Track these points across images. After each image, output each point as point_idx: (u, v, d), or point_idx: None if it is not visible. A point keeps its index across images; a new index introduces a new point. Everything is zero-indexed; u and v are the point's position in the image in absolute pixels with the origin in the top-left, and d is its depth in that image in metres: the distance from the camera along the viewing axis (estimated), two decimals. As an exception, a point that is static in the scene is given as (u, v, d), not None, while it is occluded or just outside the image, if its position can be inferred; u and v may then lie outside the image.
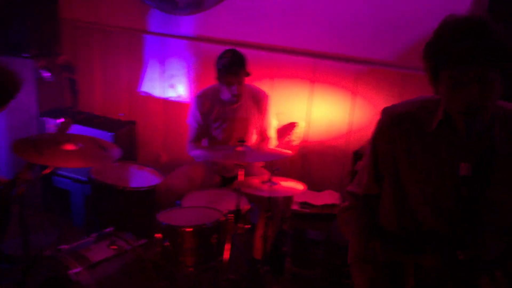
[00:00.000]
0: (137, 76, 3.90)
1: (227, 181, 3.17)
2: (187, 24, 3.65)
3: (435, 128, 1.47)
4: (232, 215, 2.47)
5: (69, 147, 2.52)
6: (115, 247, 2.45)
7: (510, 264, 1.49)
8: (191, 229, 2.44)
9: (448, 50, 1.34)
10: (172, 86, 3.80)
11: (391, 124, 1.56)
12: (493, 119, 1.43)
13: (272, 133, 3.28)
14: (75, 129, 3.50)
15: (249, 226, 2.68)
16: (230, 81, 2.99)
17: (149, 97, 3.90)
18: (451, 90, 1.37)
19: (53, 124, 3.60)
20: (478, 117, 1.38)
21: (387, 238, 1.61)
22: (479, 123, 1.40)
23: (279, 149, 3.07)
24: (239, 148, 2.56)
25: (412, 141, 1.52)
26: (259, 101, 3.17)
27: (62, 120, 2.60)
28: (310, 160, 3.49)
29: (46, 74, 3.58)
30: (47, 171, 2.54)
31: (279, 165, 2.90)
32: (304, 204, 3.11)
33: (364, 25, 3.16)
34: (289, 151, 2.84)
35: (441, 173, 1.48)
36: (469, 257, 1.45)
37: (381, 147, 1.59)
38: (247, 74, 3.06)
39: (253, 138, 3.25)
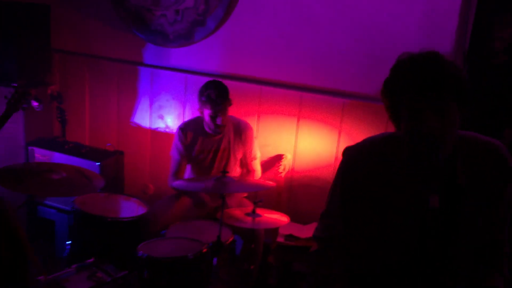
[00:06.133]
0: (127, 106, 3.93)
1: (211, 212, 3.15)
2: (177, 56, 3.70)
3: (400, 163, 1.48)
4: (213, 246, 2.44)
5: (52, 176, 2.52)
6: (95, 278, 2.43)
7: None
8: (171, 261, 2.41)
9: (407, 86, 1.37)
10: (161, 117, 3.83)
11: (354, 163, 1.57)
12: (455, 150, 1.45)
13: (257, 166, 3.29)
14: (62, 158, 3.52)
15: (232, 257, 2.66)
16: (216, 113, 3.01)
17: (138, 128, 3.92)
18: (411, 124, 1.39)
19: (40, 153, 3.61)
20: (440, 149, 1.39)
21: (356, 281, 1.59)
22: (441, 155, 1.41)
23: (262, 180, 3.06)
24: (221, 179, 2.56)
25: (377, 178, 1.52)
26: (242, 132, 3.19)
27: None
28: (296, 192, 3.49)
29: (35, 104, 3.60)
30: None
31: (264, 197, 2.89)
32: (289, 237, 3.08)
33: (351, 59, 3.21)
34: (271, 182, 2.83)
35: (407, 207, 1.48)
36: None
37: (346, 187, 1.59)
38: (230, 104, 3.09)
39: (236, 169, 3.25)
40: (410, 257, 1.49)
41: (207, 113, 3.03)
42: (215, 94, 2.97)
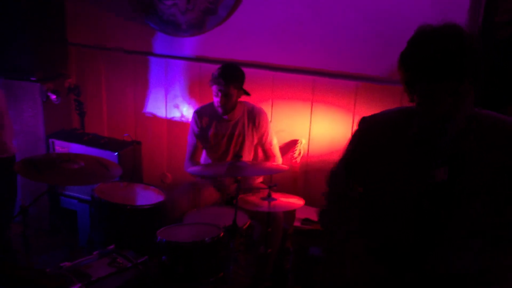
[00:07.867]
0: (143, 97, 3.98)
1: (227, 197, 3.19)
2: (190, 45, 3.73)
3: (413, 135, 1.49)
4: (229, 230, 2.48)
5: (71, 166, 2.58)
6: (115, 264, 2.49)
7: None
8: (189, 245, 2.46)
9: (423, 63, 1.36)
10: (176, 106, 3.87)
11: (369, 132, 1.59)
12: (467, 128, 1.44)
13: (276, 151, 3.31)
14: (81, 149, 3.59)
15: (249, 242, 2.69)
16: (217, 91, 3.04)
17: (155, 118, 3.97)
18: (425, 101, 1.40)
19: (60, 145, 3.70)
20: (450, 126, 1.39)
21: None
22: (451, 131, 1.41)
23: (276, 164, 3.09)
24: (235, 164, 2.59)
25: (389, 149, 1.54)
26: (255, 117, 3.21)
27: None
28: (312, 177, 3.50)
29: (53, 97, 3.68)
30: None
31: (280, 183, 2.91)
32: (306, 221, 3.11)
33: (362, 41, 3.20)
34: (285, 166, 2.85)
35: (414, 178, 1.49)
36: (417, 276, 1.46)
37: (357, 154, 1.63)
38: (242, 91, 3.10)
39: (251, 154, 3.28)
40: (414, 231, 1.51)
41: (213, 92, 3.07)
42: (218, 73, 3.01)
